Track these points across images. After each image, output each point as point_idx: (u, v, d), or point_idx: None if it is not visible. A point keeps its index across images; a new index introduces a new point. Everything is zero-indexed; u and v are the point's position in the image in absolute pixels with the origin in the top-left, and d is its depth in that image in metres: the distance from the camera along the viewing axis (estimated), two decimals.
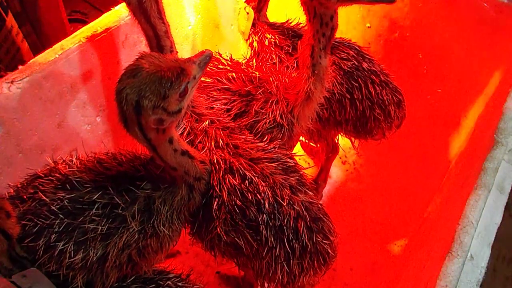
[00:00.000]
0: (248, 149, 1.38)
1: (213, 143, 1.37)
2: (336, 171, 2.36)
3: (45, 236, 1.15)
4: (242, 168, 1.32)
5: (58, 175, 1.23)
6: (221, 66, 1.63)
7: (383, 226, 2.17)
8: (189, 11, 1.92)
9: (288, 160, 1.41)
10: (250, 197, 1.29)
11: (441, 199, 1.92)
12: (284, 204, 1.30)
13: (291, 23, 1.80)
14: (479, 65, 2.04)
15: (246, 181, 1.30)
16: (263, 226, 1.29)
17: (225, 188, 1.30)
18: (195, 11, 1.95)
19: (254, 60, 1.73)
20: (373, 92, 1.73)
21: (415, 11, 2.15)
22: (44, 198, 1.17)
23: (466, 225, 1.29)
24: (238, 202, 1.29)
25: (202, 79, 1.55)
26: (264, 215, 1.29)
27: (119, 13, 1.63)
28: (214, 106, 1.50)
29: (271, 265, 1.33)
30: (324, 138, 1.98)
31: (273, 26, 1.78)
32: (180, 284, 1.32)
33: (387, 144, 1.96)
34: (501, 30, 1.96)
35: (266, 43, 1.73)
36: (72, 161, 1.30)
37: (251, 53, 1.80)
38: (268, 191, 1.30)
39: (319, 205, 1.40)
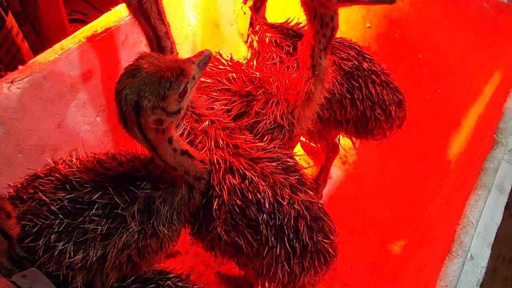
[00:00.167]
0: (248, 149, 1.38)
1: (213, 143, 1.37)
2: (336, 171, 2.36)
3: (45, 236, 1.15)
4: (242, 168, 1.32)
5: (58, 175, 1.23)
6: (221, 67, 1.63)
7: (383, 226, 2.17)
8: (189, 11, 1.92)
9: (288, 159, 1.41)
10: (250, 197, 1.29)
11: (441, 199, 1.92)
12: (284, 204, 1.30)
13: (290, 22, 1.80)
14: (479, 65, 2.04)
15: (246, 181, 1.30)
16: (264, 226, 1.29)
17: (225, 187, 1.30)
18: (195, 11, 1.95)
19: (255, 61, 1.72)
20: (374, 92, 1.73)
21: (415, 11, 2.15)
22: (44, 198, 1.17)
23: (466, 225, 1.29)
24: (238, 202, 1.29)
25: (202, 79, 1.55)
26: (264, 215, 1.29)
27: (119, 13, 1.63)
28: (215, 106, 1.50)
29: (272, 265, 1.33)
30: (325, 138, 1.98)
31: (272, 26, 1.77)
32: (180, 284, 1.32)
33: (387, 144, 1.96)
34: (501, 30, 1.96)
35: (267, 41, 1.73)
36: (72, 161, 1.30)
37: (251, 53, 1.80)
38: (268, 190, 1.30)
39: (319, 205, 1.40)
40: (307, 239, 1.31)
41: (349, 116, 1.77)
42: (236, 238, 1.31)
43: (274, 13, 1.93)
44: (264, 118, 1.51)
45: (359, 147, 1.97)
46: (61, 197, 1.18)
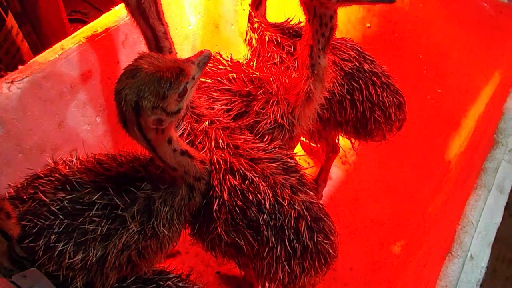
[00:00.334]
0: (248, 149, 1.38)
1: (213, 144, 1.37)
2: (336, 171, 2.35)
3: (45, 236, 1.15)
4: (243, 168, 1.32)
5: (58, 176, 1.24)
6: (221, 67, 1.63)
7: (383, 226, 2.17)
8: (189, 11, 1.92)
9: (289, 160, 1.41)
10: (250, 197, 1.29)
11: (441, 199, 1.92)
12: (285, 204, 1.30)
13: (290, 22, 1.79)
14: (479, 65, 2.04)
15: (247, 181, 1.30)
16: (264, 226, 1.29)
17: (226, 188, 1.30)
18: (195, 11, 1.95)
19: (255, 61, 1.72)
20: (374, 94, 1.73)
21: (415, 11, 2.14)
22: (44, 198, 1.17)
23: (466, 225, 1.29)
24: (239, 203, 1.29)
25: (203, 79, 1.55)
26: (265, 215, 1.29)
27: (119, 13, 1.63)
28: (215, 106, 1.50)
29: (272, 265, 1.33)
30: (325, 138, 1.98)
31: (273, 25, 1.77)
32: (180, 284, 1.32)
33: (387, 144, 1.96)
34: (501, 30, 1.96)
35: (267, 39, 1.73)
36: (72, 161, 1.30)
37: (250, 52, 1.80)
38: (268, 191, 1.30)
39: (320, 205, 1.40)
40: (307, 240, 1.31)
41: (349, 117, 1.77)
42: (237, 239, 1.31)
43: (274, 13, 1.93)
44: (265, 118, 1.51)
45: (359, 148, 1.97)
46: (61, 198, 1.18)
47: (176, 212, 1.28)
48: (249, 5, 1.75)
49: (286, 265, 1.32)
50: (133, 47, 1.69)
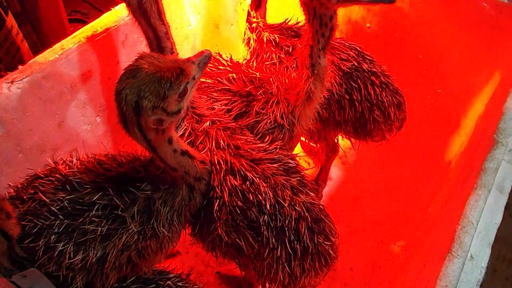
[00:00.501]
0: (249, 150, 1.38)
1: (214, 144, 1.37)
2: (336, 171, 2.35)
3: (45, 236, 1.15)
4: (243, 169, 1.32)
5: (58, 176, 1.23)
6: (221, 67, 1.63)
7: (383, 226, 2.17)
8: (189, 11, 1.92)
9: (290, 161, 1.41)
10: (251, 198, 1.29)
11: (441, 199, 1.92)
12: (286, 205, 1.30)
13: (288, 22, 1.79)
14: (479, 65, 2.04)
15: (247, 182, 1.30)
16: (264, 227, 1.29)
17: (226, 189, 1.30)
18: (195, 11, 1.95)
19: (255, 62, 1.72)
20: (373, 94, 1.73)
21: (415, 11, 2.14)
22: (44, 198, 1.17)
23: (466, 225, 1.29)
24: (239, 203, 1.29)
25: (203, 80, 1.55)
26: (265, 216, 1.29)
27: (119, 13, 1.63)
28: (215, 107, 1.50)
29: (273, 266, 1.33)
30: (324, 138, 1.98)
31: (271, 26, 1.77)
32: (180, 284, 1.32)
33: (387, 144, 1.96)
34: (501, 30, 1.96)
35: (265, 39, 1.73)
36: (72, 161, 1.30)
37: (250, 52, 1.80)
38: (269, 192, 1.30)
39: (321, 206, 1.40)
40: (308, 241, 1.31)
41: (348, 117, 1.77)
42: (237, 239, 1.31)
43: (273, 14, 1.93)
44: (265, 117, 1.51)
45: (359, 148, 1.97)
46: (61, 198, 1.18)
47: (176, 213, 1.28)
48: (249, 5, 1.76)
49: (286, 266, 1.32)
50: (133, 47, 1.69)
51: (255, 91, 1.54)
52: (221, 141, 1.37)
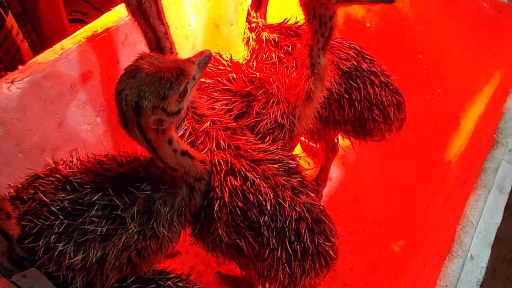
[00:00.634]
0: (249, 150, 1.38)
1: (214, 144, 1.37)
2: (336, 171, 2.36)
3: (45, 236, 1.15)
4: (244, 170, 1.32)
5: (58, 176, 1.23)
6: (221, 67, 1.63)
7: (383, 226, 2.17)
8: (189, 11, 1.91)
9: (290, 161, 1.41)
10: (251, 199, 1.29)
11: (441, 199, 1.92)
12: (286, 206, 1.30)
13: (287, 22, 1.79)
14: (479, 65, 2.04)
15: (248, 183, 1.30)
16: (265, 228, 1.29)
17: (227, 189, 1.30)
18: (195, 11, 1.95)
19: (254, 62, 1.72)
20: (372, 93, 1.73)
21: (415, 11, 2.15)
22: (44, 199, 1.17)
23: (466, 225, 1.29)
24: (240, 204, 1.29)
25: (203, 80, 1.55)
26: (266, 217, 1.29)
27: (119, 13, 1.63)
28: (215, 107, 1.50)
29: (273, 267, 1.33)
30: (324, 137, 1.98)
31: (270, 26, 1.78)
32: (180, 284, 1.32)
33: (387, 144, 1.96)
34: (501, 30, 1.96)
35: (264, 39, 1.73)
36: (72, 161, 1.30)
37: (249, 52, 1.80)
38: (270, 192, 1.30)
39: (321, 207, 1.40)
40: (308, 242, 1.31)
41: (347, 117, 1.77)
42: (237, 240, 1.31)
43: (273, 13, 1.93)
44: (265, 117, 1.51)
45: (359, 148, 1.97)
46: (61, 198, 1.18)
47: (176, 213, 1.28)
48: (249, 5, 1.76)
49: (286, 266, 1.32)
50: (133, 47, 1.69)
51: (255, 91, 1.54)
52: (222, 141, 1.37)
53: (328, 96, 1.64)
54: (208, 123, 1.41)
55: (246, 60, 1.78)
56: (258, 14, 1.78)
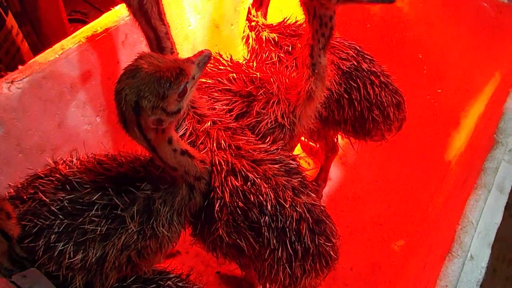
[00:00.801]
0: (250, 151, 1.37)
1: (215, 144, 1.37)
2: (336, 172, 2.35)
3: (45, 236, 1.15)
4: (245, 170, 1.32)
5: (58, 176, 1.23)
6: (221, 67, 1.62)
7: (383, 226, 2.17)
8: (189, 11, 1.91)
9: (291, 161, 1.41)
10: (252, 199, 1.29)
11: (441, 199, 1.92)
12: (287, 206, 1.30)
13: (287, 21, 1.79)
14: (479, 65, 2.04)
15: (249, 183, 1.30)
16: (265, 228, 1.29)
17: (227, 189, 1.30)
18: (195, 11, 1.95)
19: (255, 62, 1.72)
20: (372, 93, 1.73)
21: (415, 11, 2.15)
22: (44, 198, 1.17)
23: (466, 225, 1.29)
24: (240, 204, 1.29)
25: (203, 80, 1.55)
26: (267, 217, 1.28)
27: (119, 13, 1.63)
28: (216, 107, 1.50)
29: (273, 267, 1.33)
30: (323, 137, 1.98)
31: (270, 26, 1.78)
32: (180, 284, 1.32)
33: (387, 144, 1.96)
34: (501, 30, 1.96)
35: (264, 38, 1.73)
36: (72, 161, 1.30)
37: (249, 51, 1.80)
38: (270, 192, 1.30)
39: (322, 207, 1.40)
40: (309, 242, 1.31)
41: (347, 116, 1.77)
42: (238, 240, 1.31)
43: (273, 13, 1.93)
44: (265, 117, 1.51)
45: (359, 148, 1.97)
46: (61, 198, 1.17)
47: (176, 212, 1.27)
48: (250, 3, 1.76)
49: (287, 266, 1.31)
50: (133, 47, 1.69)
51: (255, 91, 1.54)
52: (222, 141, 1.37)
53: (328, 96, 1.64)
54: (209, 123, 1.41)
55: (246, 60, 1.78)
56: (258, 13, 1.78)
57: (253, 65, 1.69)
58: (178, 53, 1.41)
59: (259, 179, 1.31)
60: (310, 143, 2.32)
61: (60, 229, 1.15)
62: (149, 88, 1.04)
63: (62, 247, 1.14)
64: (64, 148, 1.58)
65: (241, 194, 1.30)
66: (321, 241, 1.34)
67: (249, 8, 1.78)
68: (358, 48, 1.78)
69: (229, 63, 1.66)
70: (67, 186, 1.20)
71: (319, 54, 1.45)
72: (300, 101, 1.53)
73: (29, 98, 1.43)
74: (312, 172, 2.22)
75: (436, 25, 2.12)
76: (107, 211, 1.18)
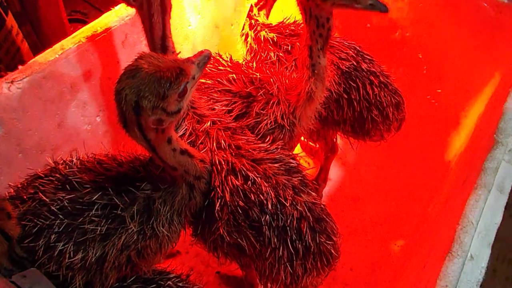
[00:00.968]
0: (250, 150, 1.38)
1: (215, 144, 1.37)
2: (336, 172, 2.35)
3: (45, 236, 1.15)
4: (245, 169, 1.32)
5: (58, 176, 1.23)
6: (221, 68, 1.62)
7: (383, 226, 2.17)
8: (189, 11, 1.91)
9: (291, 160, 1.41)
10: (253, 198, 1.29)
11: (441, 199, 1.92)
12: (287, 205, 1.30)
13: (287, 21, 1.79)
14: (479, 65, 2.04)
15: (249, 182, 1.30)
16: (266, 227, 1.29)
17: (228, 189, 1.30)
18: (195, 11, 1.95)
19: (254, 63, 1.72)
20: (371, 93, 1.73)
21: (415, 11, 2.15)
22: (44, 198, 1.17)
23: (466, 225, 1.29)
24: (241, 203, 1.29)
25: (202, 80, 1.55)
26: (267, 216, 1.28)
27: (119, 13, 1.63)
28: (215, 107, 1.50)
29: (274, 266, 1.33)
30: (323, 137, 1.98)
31: (269, 26, 1.78)
32: (180, 284, 1.32)
33: (387, 144, 1.96)
34: (501, 30, 1.96)
35: (262, 39, 1.73)
36: (72, 161, 1.30)
37: (247, 49, 1.80)
38: (271, 191, 1.30)
39: (322, 206, 1.40)
40: (310, 241, 1.31)
41: (346, 116, 1.77)
42: (239, 239, 1.31)
43: (273, 12, 1.93)
44: (265, 118, 1.51)
45: (358, 148, 1.97)
46: (61, 198, 1.18)
47: (176, 212, 1.27)
48: (254, 3, 1.76)
49: (288, 265, 1.32)
50: (133, 47, 1.69)
51: (255, 92, 1.54)
52: (222, 141, 1.37)
53: (327, 95, 1.64)
54: (209, 123, 1.41)
55: (246, 61, 1.78)
56: (261, 13, 1.78)
57: (252, 65, 1.69)
58: (179, 52, 1.40)
59: (259, 178, 1.31)
60: (310, 143, 2.32)
61: (60, 229, 1.15)
62: (149, 88, 1.04)
63: (62, 247, 1.14)
64: (64, 148, 1.58)
65: (241, 193, 1.30)
66: (322, 240, 1.34)
67: (251, 6, 1.78)
68: (357, 48, 1.78)
69: (229, 64, 1.66)
70: (67, 186, 1.20)
71: (318, 55, 1.45)
72: (300, 102, 1.52)
73: (29, 98, 1.43)
74: (312, 171, 2.22)
75: (436, 25, 2.12)
76: (107, 211, 1.18)
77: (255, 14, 1.76)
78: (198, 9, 1.96)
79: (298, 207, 1.31)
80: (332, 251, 1.37)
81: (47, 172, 1.26)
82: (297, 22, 1.78)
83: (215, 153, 1.35)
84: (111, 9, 1.65)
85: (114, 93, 1.08)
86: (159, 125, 1.09)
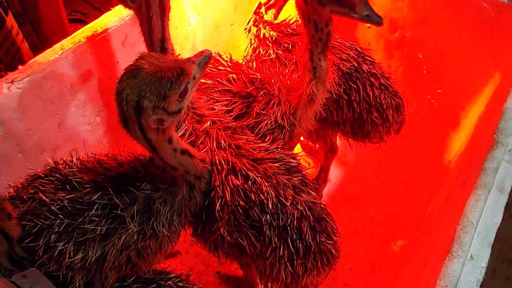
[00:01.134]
0: (250, 150, 1.38)
1: (215, 144, 1.37)
2: (335, 172, 2.35)
3: (45, 236, 1.15)
4: (245, 169, 1.32)
5: (58, 176, 1.23)
6: (221, 68, 1.62)
7: (383, 226, 2.17)
8: (189, 11, 1.92)
9: (291, 160, 1.41)
10: (253, 198, 1.29)
11: (441, 199, 1.92)
12: (288, 204, 1.30)
13: (289, 20, 1.80)
14: (479, 65, 2.04)
15: (249, 182, 1.30)
16: (267, 227, 1.29)
17: (228, 188, 1.30)
18: (195, 11, 1.95)
19: (254, 63, 1.72)
20: (371, 95, 1.72)
21: (415, 11, 2.15)
22: (44, 198, 1.17)
23: (466, 225, 1.29)
24: (241, 203, 1.29)
25: (202, 80, 1.55)
26: (268, 216, 1.28)
27: (119, 13, 1.63)
28: (215, 107, 1.50)
29: (275, 265, 1.33)
30: (323, 137, 1.98)
31: (271, 24, 1.78)
32: (180, 284, 1.32)
33: (387, 144, 1.96)
34: (501, 30, 1.96)
35: (262, 36, 1.73)
36: (72, 161, 1.30)
37: (247, 45, 1.80)
38: (271, 191, 1.30)
39: (322, 205, 1.40)
40: (310, 240, 1.31)
41: (346, 117, 1.77)
42: (239, 239, 1.31)
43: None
44: (265, 118, 1.51)
45: (359, 148, 1.97)
46: (61, 197, 1.17)
47: (176, 212, 1.27)
48: (263, 3, 1.76)
49: (289, 265, 1.32)
50: (133, 47, 1.69)
51: (255, 92, 1.54)
52: (222, 141, 1.37)
53: (327, 96, 1.64)
54: (208, 123, 1.41)
55: (246, 61, 1.78)
56: (269, 12, 1.78)
57: (252, 65, 1.69)
58: (179, 55, 1.40)
59: (259, 178, 1.31)
60: (309, 143, 2.32)
61: (60, 229, 1.15)
62: (150, 88, 1.04)
63: (62, 247, 1.14)
64: (64, 148, 1.58)
65: (242, 193, 1.30)
66: (323, 239, 1.34)
67: (260, 3, 1.78)
68: (358, 49, 1.78)
69: (229, 64, 1.66)
70: (67, 186, 1.20)
71: (319, 58, 1.45)
72: (301, 104, 1.52)
73: (29, 98, 1.43)
74: (312, 171, 2.22)
75: (436, 25, 2.12)
76: (107, 211, 1.18)
77: (261, 12, 1.77)
78: (198, 9, 1.96)
79: (299, 207, 1.31)
80: (333, 251, 1.37)
81: (47, 172, 1.26)
82: (298, 21, 1.78)
83: (215, 153, 1.35)
84: (111, 9, 1.65)
85: (115, 93, 1.08)
86: (160, 125, 1.09)
